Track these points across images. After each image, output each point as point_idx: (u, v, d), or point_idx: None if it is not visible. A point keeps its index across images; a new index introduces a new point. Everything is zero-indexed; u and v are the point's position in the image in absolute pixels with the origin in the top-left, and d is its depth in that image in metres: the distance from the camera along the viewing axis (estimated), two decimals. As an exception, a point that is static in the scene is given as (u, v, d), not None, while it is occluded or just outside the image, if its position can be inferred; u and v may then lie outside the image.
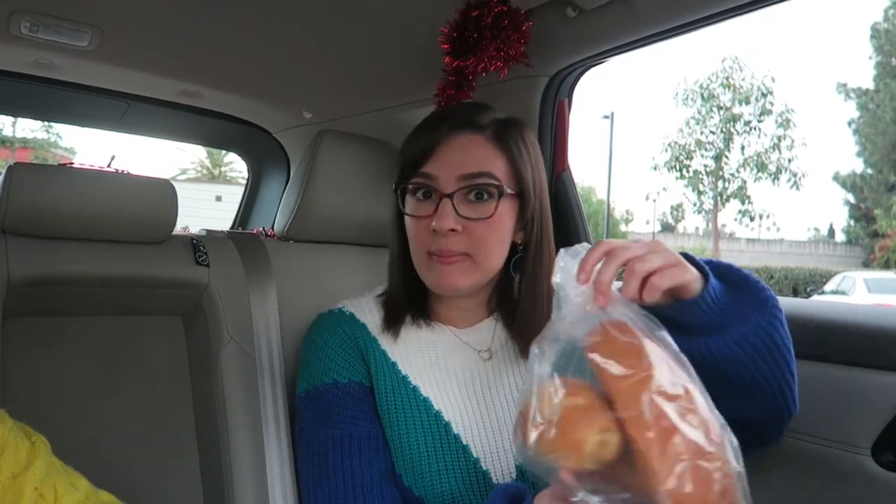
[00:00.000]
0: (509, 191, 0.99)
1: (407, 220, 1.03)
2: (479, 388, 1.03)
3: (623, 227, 27.70)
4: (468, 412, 1.01)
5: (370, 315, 1.08)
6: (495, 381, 1.04)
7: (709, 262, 0.83)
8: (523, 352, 1.04)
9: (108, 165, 1.21)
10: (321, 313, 1.11)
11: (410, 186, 1.02)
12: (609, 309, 0.68)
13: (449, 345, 1.06)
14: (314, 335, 1.09)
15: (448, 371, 1.04)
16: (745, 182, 19.12)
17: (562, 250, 0.72)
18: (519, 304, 1.04)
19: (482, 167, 0.98)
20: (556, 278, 0.70)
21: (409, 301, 1.07)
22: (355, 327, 1.06)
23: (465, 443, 0.99)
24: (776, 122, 18.89)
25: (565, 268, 0.70)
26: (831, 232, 27.00)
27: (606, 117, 23.10)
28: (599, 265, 0.71)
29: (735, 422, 0.75)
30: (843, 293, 14.06)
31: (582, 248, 0.72)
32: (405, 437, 0.99)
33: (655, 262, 0.71)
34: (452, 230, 0.96)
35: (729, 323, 0.78)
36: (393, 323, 1.06)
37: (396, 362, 1.04)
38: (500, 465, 0.98)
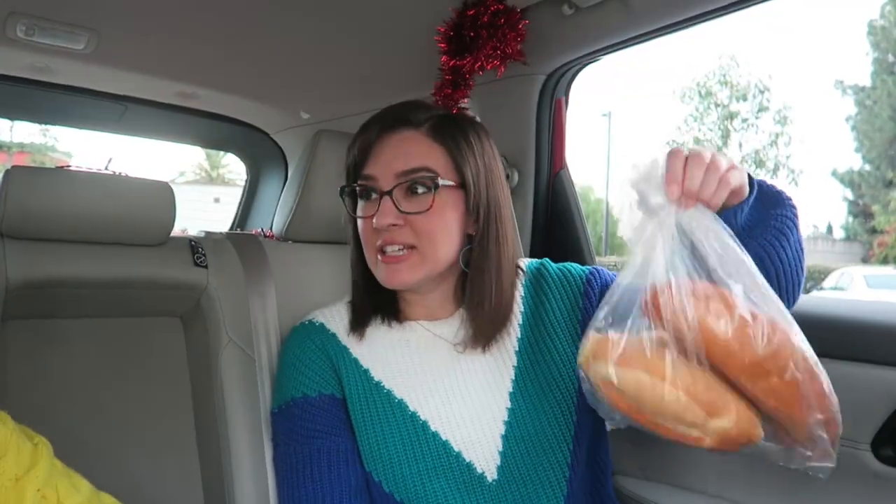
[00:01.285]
0: (448, 182, 0.98)
1: (357, 221, 1.04)
2: (455, 380, 1.02)
3: (622, 226, 27.55)
4: (445, 407, 1.00)
5: (341, 323, 1.07)
6: (470, 370, 1.03)
7: None
8: (476, 343, 1.03)
9: (106, 168, 1.21)
10: (294, 326, 1.11)
11: (357, 189, 1.03)
12: (690, 211, 0.75)
13: (422, 341, 1.05)
14: (285, 349, 1.09)
15: (423, 368, 1.03)
16: (743, 179, 19.05)
17: (629, 166, 0.78)
18: (474, 302, 1.02)
19: (418, 162, 0.98)
20: (632, 193, 0.77)
21: (374, 301, 1.06)
22: (325, 338, 1.06)
23: (444, 439, 0.98)
24: (774, 118, 18.90)
25: (639, 180, 0.76)
26: (830, 228, 26.98)
27: (605, 115, 23.13)
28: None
29: None
30: (842, 289, 14.06)
31: (648, 162, 0.77)
32: (382, 443, 0.98)
33: (724, 163, 0.78)
34: (393, 225, 0.97)
35: (761, 218, 0.87)
36: (358, 325, 1.06)
37: (369, 369, 1.03)
38: (482, 454, 0.98)
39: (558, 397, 1.01)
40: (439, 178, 0.98)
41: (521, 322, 1.06)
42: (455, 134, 1.01)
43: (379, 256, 1.00)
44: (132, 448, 1.15)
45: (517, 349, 1.05)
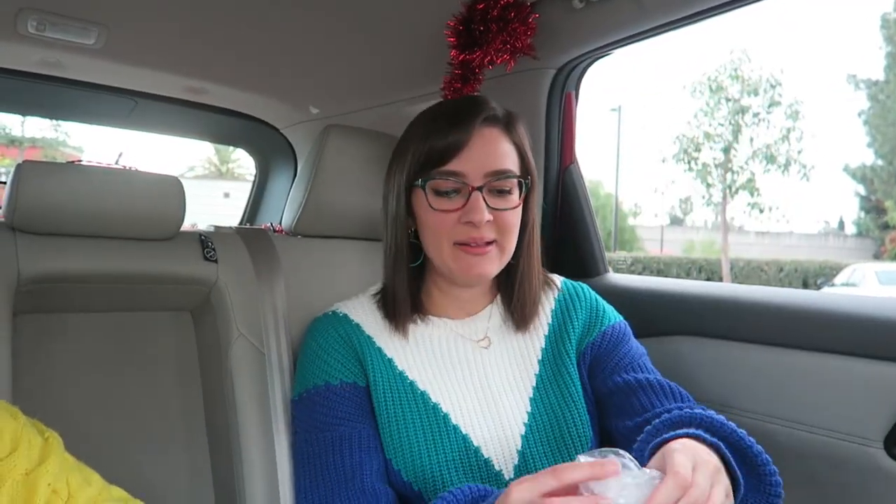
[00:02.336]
0: (528, 182, 1.05)
1: (429, 213, 1.03)
2: (478, 377, 1.05)
3: (631, 221, 27.52)
4: (467, 402, 1.03)
5: (364, 315, 1.09)
6: (494, 369, 1.06)
7: (719, 427, 0.84)
8: (518, 328, 1.09)
9: (116, 163, 1.22)
10: (316, 317, 1.12)
11: (438, 182, 1.02)
12: None
13: (445, 337, 1.08)
14: (308, 339, 1.10)
15: (446, 363, 1.06)
16: (753, 174, 18.98)
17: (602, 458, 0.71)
18: (517, 284, 1.08)
19: (505, 164, 1.02)
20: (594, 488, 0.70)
21: (412, 296, 1.08)
22: (349, 328, 1.07)
23: (464, 433, 1.00)
24: (785, 113, 18.70)
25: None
26: (841, 224, 26.83)
27: (614, 110, 23.05)
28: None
29: None
30: (853, 286, 13.98)
31: (614, 458, 0.71)
32: (403, 432, 1.00)
33: (719, 499, 0.71)
34: (487, 221, 1.00)
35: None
36: (401, 321, 1.07)
37: (393, 358, 1.05)
38: (501, 451, 1.00)
39: (574, 413, 1.04)
40: (528, 180, 1.04)
41: (546, 333, 1.11)
42: (521, 131, 1.07)
43: (460, 248, 1.02)
44: (143, 442, 1.15)
45: (540, 358, 1.09)
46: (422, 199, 1.03)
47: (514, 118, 1.07)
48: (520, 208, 1.04)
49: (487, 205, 1.00)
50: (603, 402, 1.07)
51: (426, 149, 1.02)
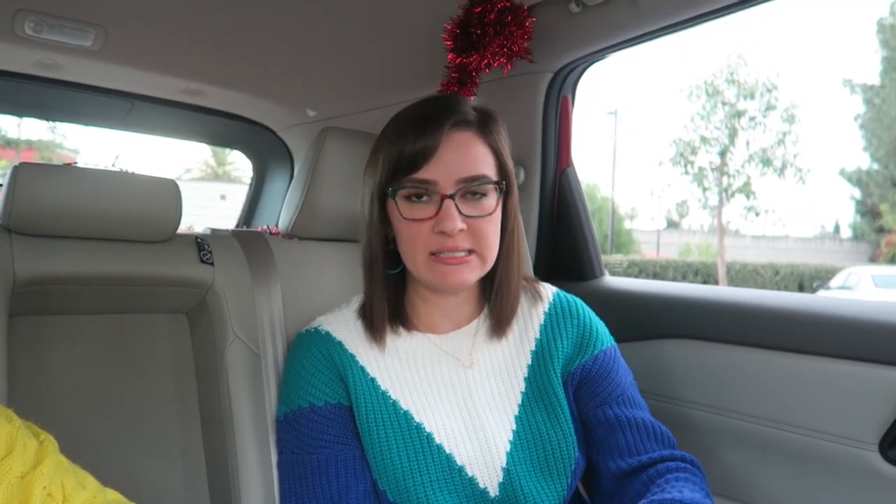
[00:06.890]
0: (504, 187, 1.01)
1: (402, 222, 1.00)
2: (462, 396, 1.03)
3: (627, 224, 27.55)
4: (450, 421, 1.01)
5: (347, 331, 1.07)
6: (479, 387, 1.04)
7: None
8: (496, 334, 1.06)
9: (113, 165, 1.22)
10: (300, 332, 1.10)
11: (407, 192, 0.99)
12: None
13: (428, 355, 1.05)
14: (291, 357, 1.08)
15: (429, 381, 1.04)
16: (749, 178, 19.01)
17: None
18: (494, 291, 1.05)
19: (479, 170, 0.98)
20: None
21: (390, 307, 1.05)
22: (331, 346, 1.05)
23: (448, 452, 0.99)
24: (781, 117, 18.73)
25: None
26: (837, 228, 26.90)
27: (611, 114, 23.13)
28: None
29: None
30: (849, 289, 14.02)
31: None
32: (387, 453, 0.98)
33: None
34: (460, 230, 0.96)
35: None
36: (379, 332, 1.04)
37: (376, 378, 1.03)
38: (486, 469, 0.99)
39: (560, 432, 1.02)
40: (503, 184, 1.00)
41: (533, 349, 1.07)
42: (499, 133, 1.02)
43: (434, 259, 0.98)
44: (138, 444, 1.15)
45: (526, 375, 1.06)
46: (394, 208, 1.00)
47: (491, 119, 1.02)
48: (497, 214, 1.00)
49: (461, 212, 0.96)
50: (585, 430, 1.06)
51: (395, 155, 0.98)
